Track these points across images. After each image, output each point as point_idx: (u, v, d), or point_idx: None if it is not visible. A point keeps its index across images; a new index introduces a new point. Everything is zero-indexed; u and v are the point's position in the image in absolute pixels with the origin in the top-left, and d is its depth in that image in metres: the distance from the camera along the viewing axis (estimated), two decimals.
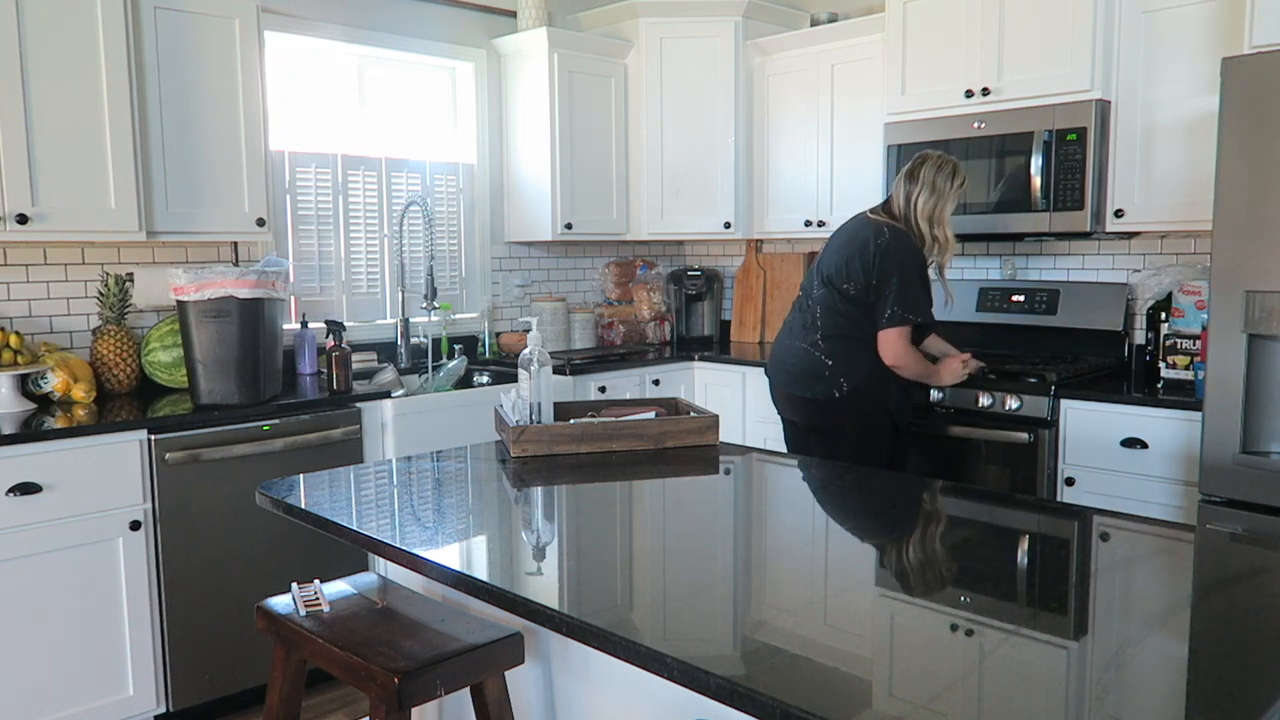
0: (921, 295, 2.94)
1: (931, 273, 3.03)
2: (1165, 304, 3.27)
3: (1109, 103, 3.19)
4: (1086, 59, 3.17)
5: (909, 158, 3.61)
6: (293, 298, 3.71)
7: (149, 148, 2.98)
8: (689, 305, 4.70)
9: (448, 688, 1.66)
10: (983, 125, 3.41)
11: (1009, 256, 3.89)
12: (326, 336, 3.46)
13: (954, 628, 1.26)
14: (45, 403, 2.98)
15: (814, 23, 4.17)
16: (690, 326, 4.73)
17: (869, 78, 3.84)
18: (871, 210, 3.09)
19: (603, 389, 3.89)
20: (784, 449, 3.25)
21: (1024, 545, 1.68)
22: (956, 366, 3.16)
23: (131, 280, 3.22)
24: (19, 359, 2.86)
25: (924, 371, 3.05)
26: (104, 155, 2.86)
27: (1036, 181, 3.28)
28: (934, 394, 3.35)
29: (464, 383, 3.83)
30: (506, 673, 1.78)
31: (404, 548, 1.60)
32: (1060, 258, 3.75)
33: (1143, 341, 3.48)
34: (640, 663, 1.19)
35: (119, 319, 3.16)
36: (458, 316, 4.21)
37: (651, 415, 2.38)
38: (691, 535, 1.74)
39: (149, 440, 2.75)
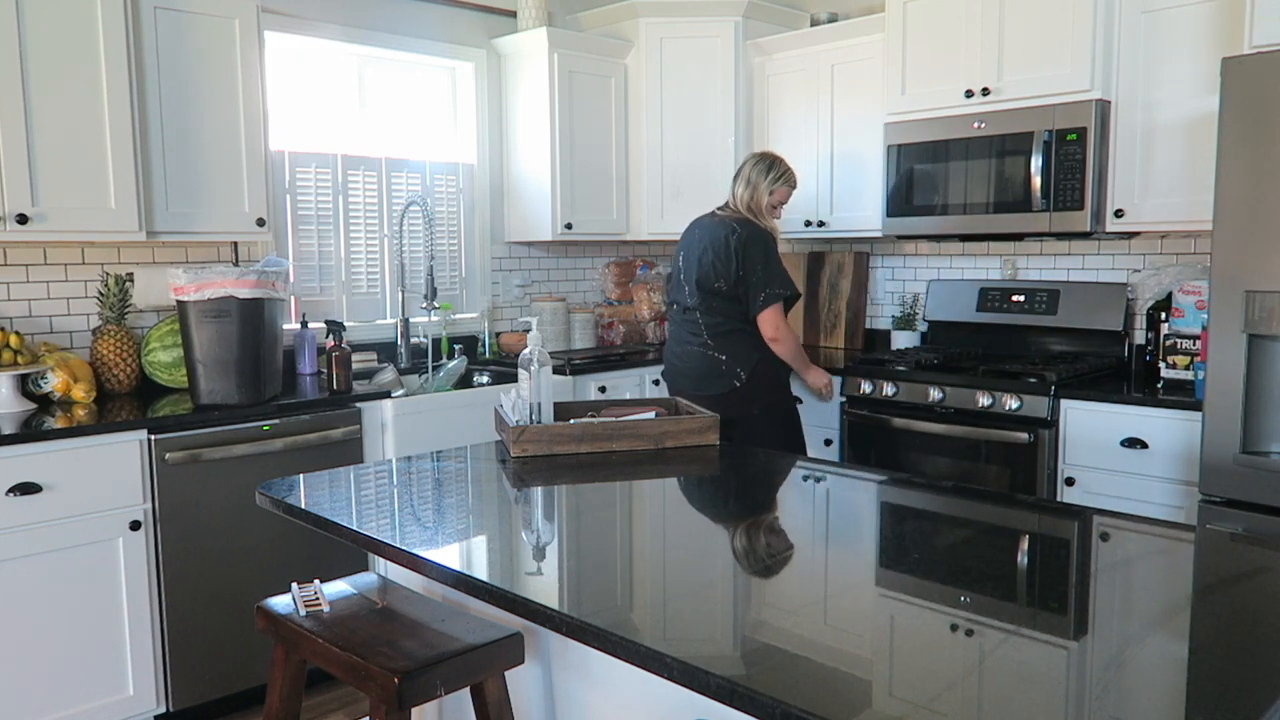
0: (784, 272, 3.19)
1: None
2: (1165, 304, 3.27)
3: (1109, 103, 3.19)
4: (1086, 59, 3.17)
5: (909, 158, 3.63)
6: (293, 298, 3.71)
7: (149, 148, 2.98)
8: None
9: (448, 688, 1.66)
10: (983, 125, 3.41)
11: (1009, 256, 3.89)
12: (326, 336, 3.46)
13: (954, 628, 1.26)
14: (45, 403, 2.98)
15: (814, 23, 4.17)
16: None
17: (869, 78, 3.84)
18: (718, 209, 3.32)
19: (603, 389, 3.89)
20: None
21: (1024, 545, 1.68)
22: (825, 379, 3.47)
23: (131, 280, 3.22)
24: (19, 359, 2.86)
25: (796, 352, 3.29)
26: (104, 155, 2.87)
27: (1036, 181, 3.29)
28: (934, 394, 3.35)
29: (464, 383, 3.83)
30: (506, 673, 1.78)
31: (404, 548, 1.60)
32: (1060, 258, 3.75)
33: (1143, 341, 3.48)
34: (640, 663, 1.19)
35: (119, 319, 3.16)
36: (458, 316, 4.21)
37: (651, 415, 2.38)
38: (691, 535, 1.74)
39: (149, 440, 2.75)
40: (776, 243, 3.22)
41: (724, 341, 3.21)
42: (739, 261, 3.14)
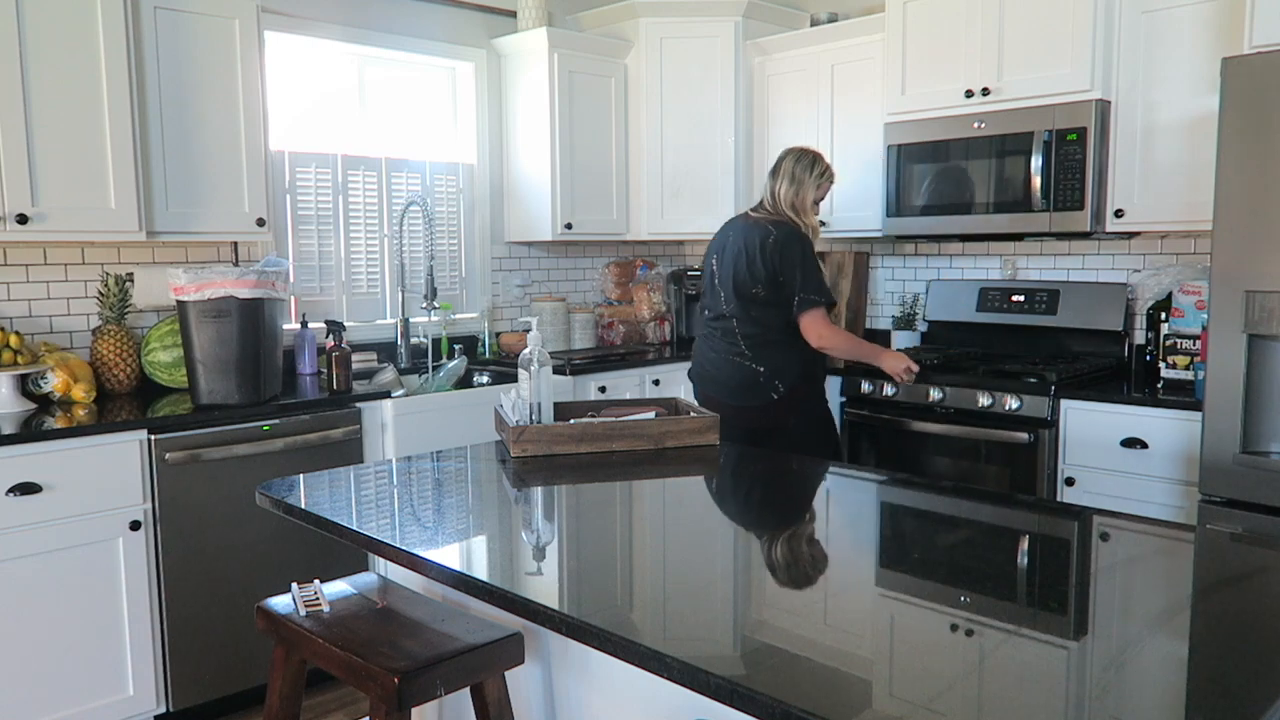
0: (821, 278, 3.04)
1: None
2: (1165, 304, 3.27)
3: (1109, 103, 3.19)
4: (1086, 59, 3.17)
5: (909, 158, 3.63)
6: (293, 298, 3.71)
7: (149, 147, 2.98)
8: (689, 305, 4.70)
9: (448, 688, 1.66)
10: (983, 125, 3.41)
11: (1009, 256, 3.89)
12: (326, 336, 3.46)
13: (954, 628, 1.26)
14: (45, 403, 2.98)
15: (814, 23, 4.17)
16: (690, 326, 4.72)
17: (869, 78, 3.84)
18: (751, 210, 3.18)
19: (603, 389, 3.89)
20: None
21: (1024, 545, 1.68)
22: (904, 362, 3.23)
23: (131, 280, 3.22)
24: (19, 359, 2.86)
25: (854, 347, 3.17)
26: (104, 155, 2.86)
27: (1036, 181, 3.28)
28: (934, 394, 3.35)
29: (464, 383, 3.83)
30: (506, 673, 1.78)
31: (404, 548, 1.60)
32: (1060, 258, 3.75)
33: (1143, 341, 3.48)
34: (640, 663, 1.19)
35: (119, 319, 3.16)
36: (458, 316, 4.21)
37: (651, 415, 2.38)
38: (691, 535, 1.74)
39: (149, 440, 2.75)
40: (815, 243, 3.09)
41: (762, 353, 3.05)
42: (778, 264, 2.99)
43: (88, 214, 2.85)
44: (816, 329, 3.01)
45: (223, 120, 3.14)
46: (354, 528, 1.71)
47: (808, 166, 3.10)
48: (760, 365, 3.05)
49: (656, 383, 4.04)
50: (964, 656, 1.19)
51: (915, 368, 3.25)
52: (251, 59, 3.17)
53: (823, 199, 3.18)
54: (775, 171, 3.13)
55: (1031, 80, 3.30)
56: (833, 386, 3.64)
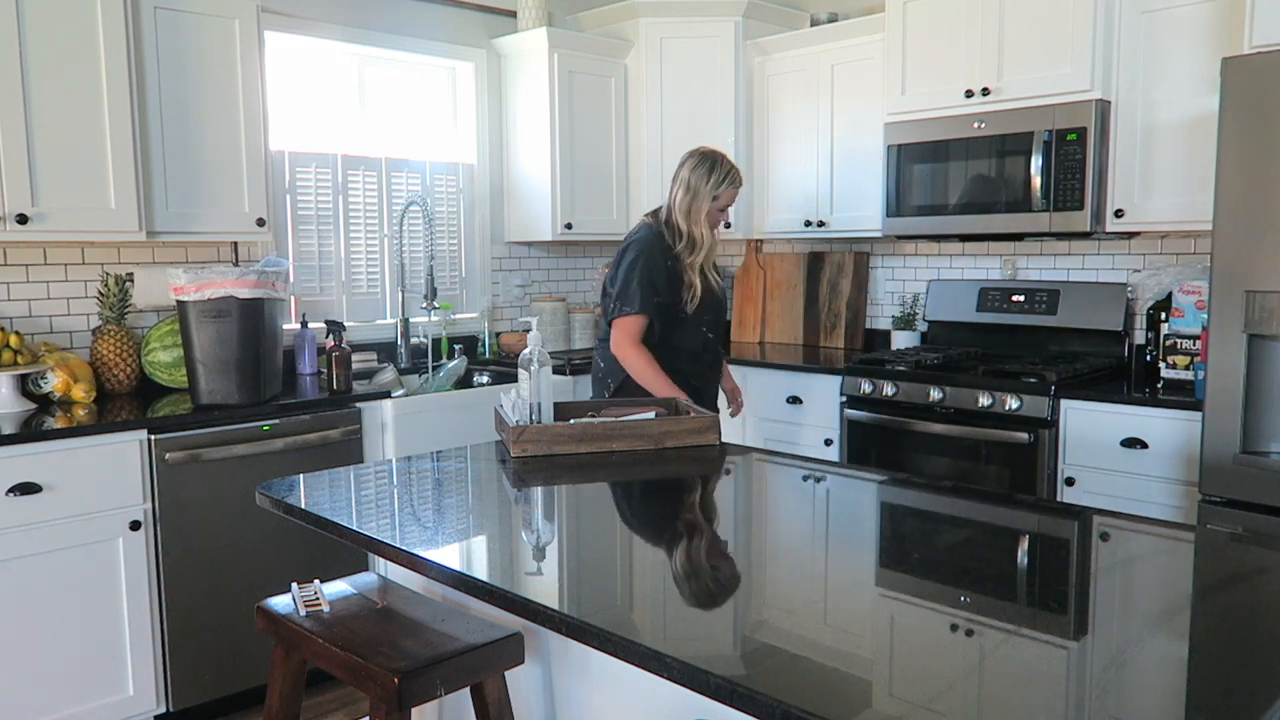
0: (634, 288, 2.86)
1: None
2: (1165, 304, 3.26)
3: (1109, 103, 3.19)
4: (1086, 59, 3.17)
5: (909, 157, 3.63)
6: (293, 298, 3.71)
7: (149, 147, 2.98)
8: None
9: (448, 688, 1.66)
10: (983, 125, 3.41)
11: (1009, 256, 3.89)
12: (326, 336, 3.46)
13: (954, 628, 1.26)
14: (45, 403, 2.97)
15: (814, 23, 4.17)
16: None
17: (869, 78, 3.84)
18: (647, 214, 3.08)
19: None
20: (784, 448, 3.25)
21: (1024, 545, 1.68)
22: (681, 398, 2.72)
23: (131, 280, 3.22)
24: (19, 359, 2.86)
25: (643, 372, 2.87)
26: (104, 155, 2.86)
27: (1036, 181, 3.28)
28: (934, 394, 3.35)
29: (464, 383, 3.83)
30: (506, 673, 1.78)
31: (404, 548, 1.60)
32: (1060, 258, 3.75)
33: (1143, 341, 3.48)
34: (640, 663, 1.19)
35: (119, 319, 3.16)
36: (458, 316, 4.21)
37: (651, 415, 2.38)
38: (691, 535, 1.74)
39: (149, 440, 2.75)
40: (702, 255, 2.93)
41: (603, 348, 3.03)
42: (615, 269, 2.97)
43: (88, 214, 2.85)
44: (617, 337, 2.89)
45: (223, 120, 3.14)
46: (354, 528, 1.71)
47: (705, 173, 2.91)
48: (601, 360, 3.07)
49: None
50: (964, 656, 1.19)
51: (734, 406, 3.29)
52: (251, 59, 3.17)
53: (728, 205, 3.00)
54: (674, 176, 2.98)
55: (1031, 80, 3.30)
56: (832, 386, 3.64)
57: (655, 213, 3.05)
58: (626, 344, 2.89)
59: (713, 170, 2.93)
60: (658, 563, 1.59)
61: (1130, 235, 3.46)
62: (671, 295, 2.93)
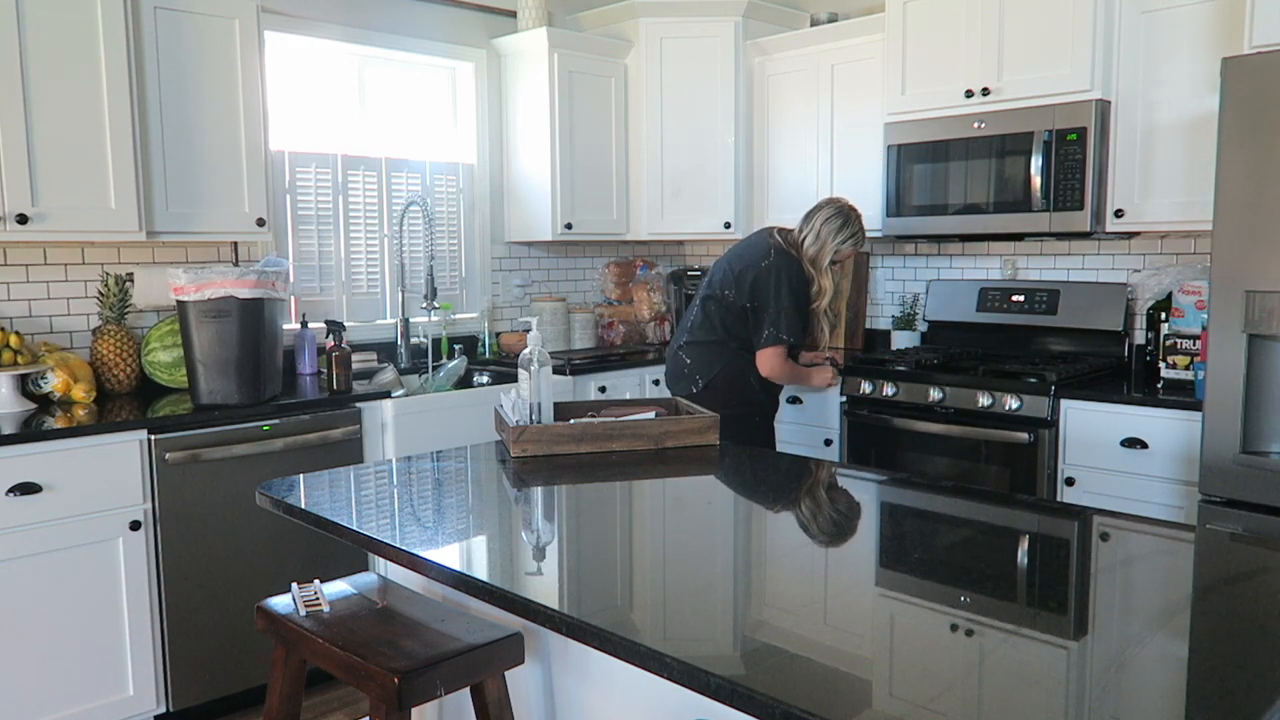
0: (796, 320, 3.08)
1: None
2: (1165, 304, 3.27)
3: (1109, 103, 3.19)
4: (1086, 59, 3.17)
5: (909, 158, 3.63)
6: (293, 298, 3.71)
7: (149, 148, 2.98)
8: (689, 305, 4.69)
9: (448, 688, 1.66)
10: (983, 125, 3.41)
11: (1009, 256, 3.89)
12: (326, 336, 3.46)
13: (954, 628, 1.26)
14: (45, 403, 2.97)
15: (814, 23, 4.17)
16: None
17: (869, 78, 3.84)
18: (778, 229, 3.22)
19: (603, 389, 3.89)
20: (785, 448, 3.26)
21: (1024, 545, 1.68)
22: (828, 375, 3.44)
23: (131, 280, 3.22)
24: (19, 359, 2.86)
25: (794, 377, 3.26)
26: (104, 155, 2.86)
27: (1036, 181, 3.28)
28: (934, 394, 3.35)
29: (464, 383, 3.83)
30: (506, 673, 1.78)
31: (404, 548, 1.60)
32: (1060, 258, 3.75)
33: (1143, 341, 3.48)
34: (640, 663, 1.19)
35: (119, 319, 3.16)
36: (458, 316, 4.21)
37: (651, 415, 2.38)
38: (691, 535, 1.74)
39: (149, 440, 2.75)
40: (810, 292, 3.11)
41: (697, 349, 3.16)
42: (762, 286, 3.07)
43: (87, 214, 2.85)
44: (770, 362, 3.10)
45: (223, 120, 3.14)
46: (354, 528, 1.71)
47: (836, 229, 3.10)
48: (689, 358, 3.19)
49: (656, 383, 4.04)
50: (964, 656, 1.19)
51: (837, 373, 3.52)
52: (251, 59, 3.17)
53: (844, 260, 3.20)
54: (808, 217, 3.17)
55: (1031, 80, 3.30)
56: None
57: (786, 236, 3.17)
58: (781, 366, 3.13)
59: (843, 227, 3.12)
60: (658, 563, 1.59)
61: (1130, 235, 3.46)
62: None
